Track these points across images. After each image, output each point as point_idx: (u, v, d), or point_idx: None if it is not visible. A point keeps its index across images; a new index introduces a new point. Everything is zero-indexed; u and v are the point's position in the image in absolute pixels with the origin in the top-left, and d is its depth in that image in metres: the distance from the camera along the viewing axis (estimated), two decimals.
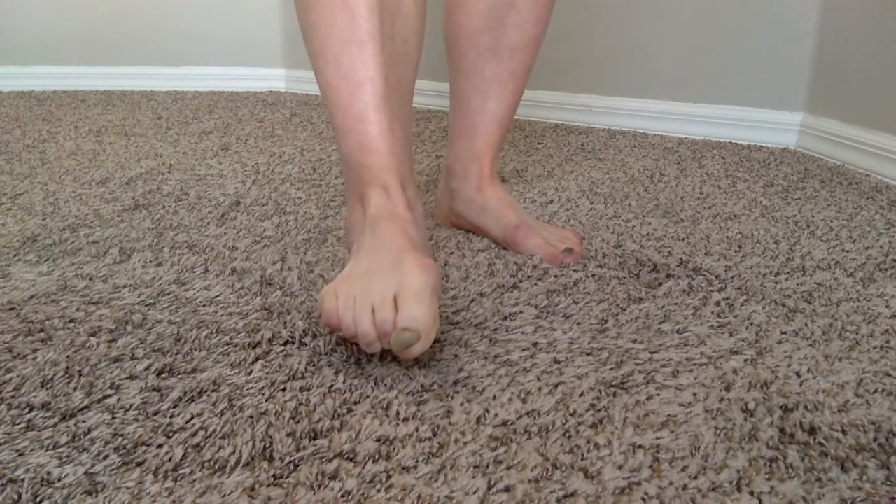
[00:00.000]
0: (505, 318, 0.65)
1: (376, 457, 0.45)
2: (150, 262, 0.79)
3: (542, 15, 0.82)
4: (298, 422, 0.49)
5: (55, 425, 0.48)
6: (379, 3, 0.63)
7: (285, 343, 0.60)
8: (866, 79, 1.29)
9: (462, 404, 0.51)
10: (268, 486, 0.43)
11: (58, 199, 1.04)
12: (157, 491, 0.42)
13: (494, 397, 0.52)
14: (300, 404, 0.51)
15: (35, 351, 0.58)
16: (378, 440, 0.47)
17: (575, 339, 0.61)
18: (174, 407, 0.51)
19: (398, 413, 0.50)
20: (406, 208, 0.63)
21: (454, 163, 0.88)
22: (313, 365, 0.57)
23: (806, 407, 0.51)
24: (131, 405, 0.51)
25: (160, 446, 0.46)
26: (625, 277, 0.75)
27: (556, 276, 0.75)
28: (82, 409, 0.50)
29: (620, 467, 0.44)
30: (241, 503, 0.41)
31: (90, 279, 0.74)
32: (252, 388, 0.53)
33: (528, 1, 0.80)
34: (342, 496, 0.42)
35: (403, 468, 0.44)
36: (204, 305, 0.68)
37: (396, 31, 0.64)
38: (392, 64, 0.65)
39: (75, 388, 0.53)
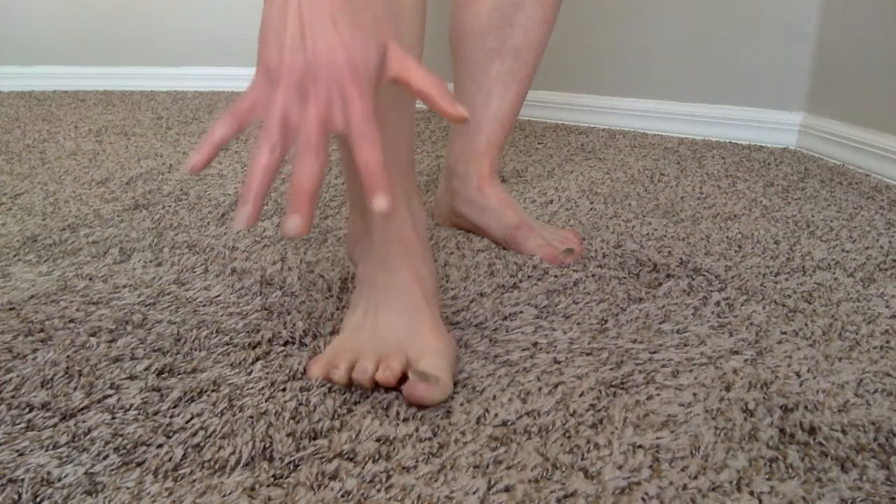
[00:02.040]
0: (505, 318, 0.65)
1: (376, 457, 0.45)
2: (150, 262, 0.79)
3: (548, 16, 0.82)
4: (298, 422, 0.49)
5: (55, 425, 0.48)
6: None
7: (285, 343, 0.60)
8: (866, 79, 1.29)
9: (462, 404, 0.51)
10: (268, 486, 0.43)
11: (58, 199, 1.04)
12: (157, 491, 0.42)
13: (494, 397, 0.52)
14: (300, 404, 0.51)
15: (35, 351, 0.58)
16: (378, 440, 0.47)
17: (575, 339, 0.61)
18: (174, 407, 0.51)
19: (398, 413, 0.50)
20: (412, 230, 0.61)
21: (455, 162, 0.88)
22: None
23: (806, 407, 0.51)
24: (131, 405, 0.51)
25: (160, 446, 0.46)
26: (625, 277, 0.75)
27: (556, 276, 0.75)
28: (82, 409, 0.50)
29: (620, 467, 0.44)
30: (241, 503, 0.41)
31: (90, 279, 0.74)
32: (252, 388, 0.53)
33: (535, 2, 0.80)
34: (342, 496, 0.42)
35: (403, 468, 0.44)
36: (204, 305, 0.68)
37: (399, 37, 0.64)
38: None
39: (75, 388, 0.53)
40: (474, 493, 0.42)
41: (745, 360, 0.58)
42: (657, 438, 0.47)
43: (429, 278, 0.59)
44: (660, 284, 0.73)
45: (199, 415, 0.50)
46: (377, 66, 0.47)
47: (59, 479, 0.43)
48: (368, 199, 0.44)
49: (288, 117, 0.45)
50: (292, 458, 0.45)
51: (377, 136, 0.45)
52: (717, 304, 0.69)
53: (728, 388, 0.54)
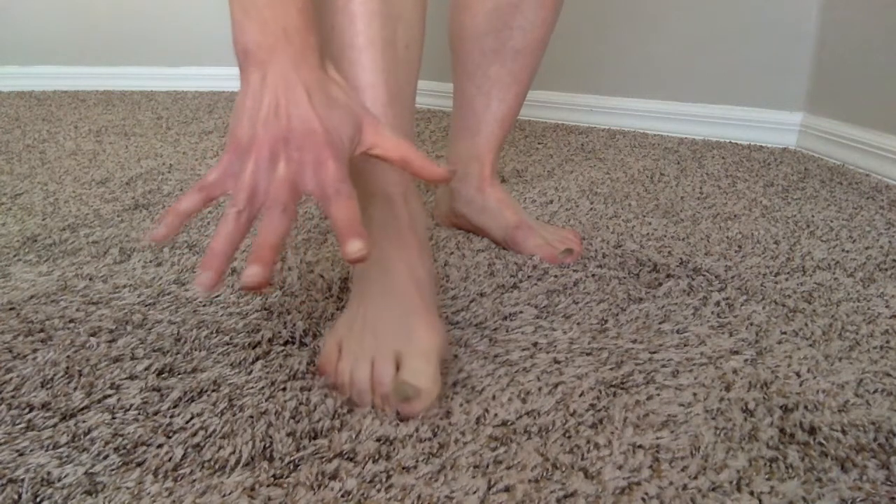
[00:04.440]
0: (505, 318, 0.65)
1: (376, 457, 0.45)
2: (150, 262, 0.79)
3: (548, 18, 0.82)
4: (298, 422, 0.49)
5: (55, 425, 0.48)
6: (380, 9, 0.63)
7: (285, 343, 0.60)
8: (866, 79, 1.29)
9: (462, 404, 0.51)
10: (268, 486, 0.43)
11: (58, 199, 1.04)
12: (157, 491, 0.42)
13: (494, 397, 0.52)
14: (300, 404, 0.51)
15: (35, 351, 0.58)
16: (378, 440, 0.47)
17: (575, 339, 0.61)
18: (174, 407, 0.51)
19: (398, 413, 0.50)
20: (410, 228, 0.61)
21: (455, 163, 0.88)
22: (314, 365, 0.57)
23: (806, 407, 0.51)
24: (131, 405, 0.51)
25: (160, 446, 0.46)
26: (625, 277, 0.75)
27: (556, 276, 0.75)
28: (82, 409, 0.50)
29: (620, 467, 0.44)
30: (241, 503, 0.41)
31: (90, 279, 0.74)
32: (252, 387, 0.53)
33: (534, 4, 0.80)
34: (342, 496, 0.42)
35: (403, 468, 0.44)
36: (204, 305, 0.68)
37: (398, 38, 0.64)
38: (393, 69, 0.65)
39: (75, 388, 0.53)
40: (474, 493, 0.42)
41: (745, 360, 0.58)
42: (657, 438, 0.47)
43: (423, 272, 0.59)
44: (660, 284, 0.73)
45: (199, 415, 0.50)
46: (351, 138, 0.48)
47: (59, 479, 0.43)
48: (341, 246, 0.44)
49: (257, 186, 0.45)
50: (292, 458, 0.45)
51: (352, 192, 0.45)
52: (717, 304, 0.69)
53: (728, 388, 0.54)
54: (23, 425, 0.48)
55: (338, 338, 0.56)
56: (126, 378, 0.54)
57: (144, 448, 0.46)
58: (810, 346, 0.61)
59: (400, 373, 0.51)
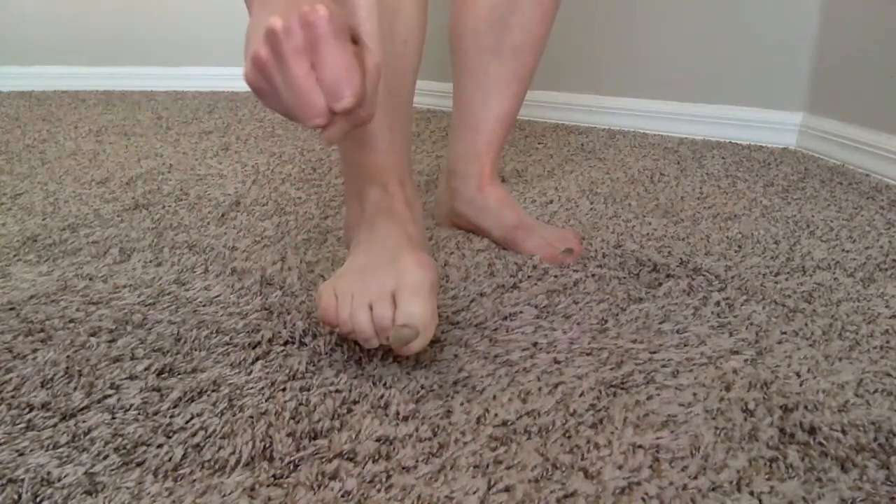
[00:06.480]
0: (505, 318, 0.65)
1: (376, 457, 0.45)
2: (150, 262, 0.79)
3: (547, 15, 0.83)
4: (298, 422, 0.49)
5: (55, 425, 0.48)
6: (378, 3, 0.63)
7: (285, 343, 0.60)
8: (866, 79, 1.29)
9: (462, 404, 0.51)
10: (268, 486, 0.43)
11: (58, 199, 1.04)
12: (157, 491, 0.42)
13: (494, 397, 0.52)
14: (300, 404, 0.51)
15: (35, 351, 0.58)
16: (378, 440, 0.47)
17: (575, 339, 0.61)
18: (174, 407, 0.51)
19: (398, 413, 0.50)
20: (404, 205, 0.63)
21: (455, 162, 0.88)
22: (313, 365, 0.57)
23: (806, 407, 0.51)
24: (131, 405, 0.51)
25: (160, 446, 0.46)
26: (625, 277, 0.75)
27: (556, 276, 0.75)
28: (82, 409, 0.50)
29: (620, 467, 0.44)
30: (241, 503, 0.41)
31: (90, 279, 0.74)
32: (252, 388, 0.53)
33: (533, 1, 0.81)
34: (342, 496, 0.42)
35: (403, 468, 0.44)
36: (204, 305, 0.68)
37: (396, 32, 0.64)
38: (391, 64, 0.65)
39: (75, 388, 0.53)
40: (474, 493, 0.42)
41: (745, 360, 0.58)
42: (657, 438, 0.47)
43: (415, 232, 0.61)
44: (660, 284, 0.73)
45: (199, 415, 0.50)
46: (346, 24, 0.47)
47: (59, 479, 0.43)
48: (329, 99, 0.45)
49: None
50: (292, 458, 0.45)
51: (349, 41, 0.45)
52: (717, 304, 0.69)
53: (728, 388, 0.54)
54: (23, 425, 0.48)
55: (332, 285, 0.57)
56: (126, 378, 0.54)
57: (144, 448, 0.46)
58: (810, 346, 0.61)
59: (396, 314, 0.53)
